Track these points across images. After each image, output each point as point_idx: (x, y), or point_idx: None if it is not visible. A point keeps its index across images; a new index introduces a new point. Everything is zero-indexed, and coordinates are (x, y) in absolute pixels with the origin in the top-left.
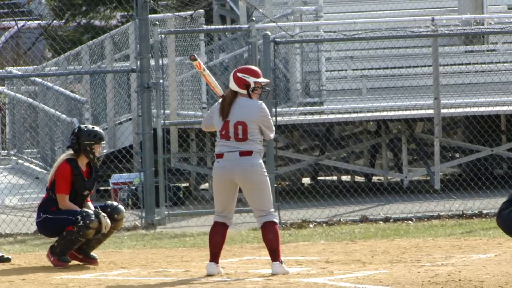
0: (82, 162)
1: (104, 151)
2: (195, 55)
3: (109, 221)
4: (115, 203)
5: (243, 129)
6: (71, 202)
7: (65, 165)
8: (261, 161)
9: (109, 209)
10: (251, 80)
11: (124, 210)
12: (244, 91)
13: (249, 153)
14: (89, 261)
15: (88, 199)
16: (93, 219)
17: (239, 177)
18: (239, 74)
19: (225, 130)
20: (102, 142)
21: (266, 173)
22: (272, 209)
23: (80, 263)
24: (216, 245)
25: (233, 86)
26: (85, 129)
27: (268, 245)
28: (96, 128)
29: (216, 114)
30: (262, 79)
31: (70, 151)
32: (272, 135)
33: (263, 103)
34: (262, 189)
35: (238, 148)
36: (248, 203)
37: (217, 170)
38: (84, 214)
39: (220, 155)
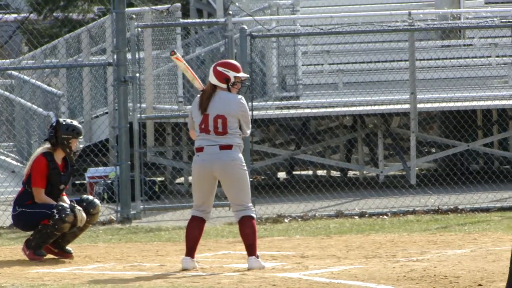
0: (58, 156)
1: (81, 145)
2: (175, 50)
3: (84, 215)
4: (90, 197)
5: (222, 122)
6: (46, 196)
7: (41, 159)
8: (240, 155)
9: (84, 203)
10: (231, 74)
11: (99, 204)
12: (224, 85)
13: (229, 147)
14: (64, 255)
15: (64, 193)
16: (69, 212)
17: (219, 171)
18: (219, 68)
19: (204, 124)
20: (80, 137)
21: (245, 168)
22: (250, 204)
23: (56, 257)
24: (193, 239)
25: (212, 79)
26: (64, 123)
27: (245, 240)
28: (75, 123)
29: (195, 108)
30: (242, 74)
31: (47, 145)
32: (249, 132)
33: (243, 98)
34: (242, 183)
35: (217, 142)
36: (227, 197)
37: (196, 163)
38: (60, 207)
39: (200, 149)
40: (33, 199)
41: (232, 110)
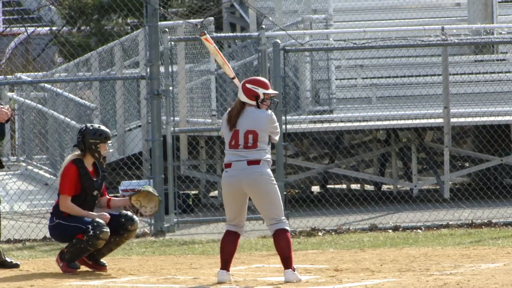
0: (88, 162)
1: (111, 150)
2: (205, 31)
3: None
4: (129, 213)
5: (253, 137)
6: (81, 203)
7: (70, 166)
8: (269, 170)
9: (123, 219)
10: (260, 91)
11: (138, 221)
12: (254, 102)
13: (257, 162)
14: (98, 267)
15: (109, 196)
16: (105, 230)
17: (247, 186)
18: (248, 86)
19: (234, 140)
20: (108, 141)
21: (274, 181)
22: (283, 217)
23: (90, 270)
24: (227, 253)
25: (242, 97)
26: (91, 128)
27: (280, 253)
28: (102, 127)
29: (224, 124)
30: (271, 91)
31: (76, 152)
32: (277, 138)
33: (273, 113)
34: (272, 197)
35: (246, 157)
36: (259, 212)
37: (225, 179)
38: (95, 224)
39: (228, 165)
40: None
41: (263, 125)
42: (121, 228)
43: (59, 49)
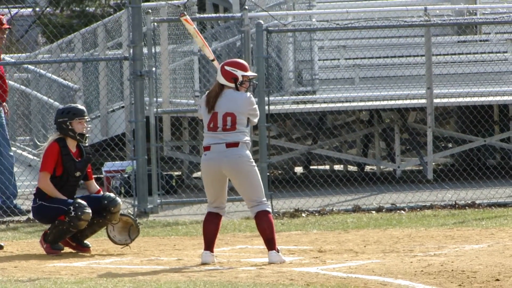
0: (71, 143)
1: (89, 126)
2: (185, 12)
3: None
4: (112, 195)
5: (232, 120)
6: (63, 185)
7: (52, 144)
8: (248, 152)
9: (106, 201)
10: (239, 73)
11: (121, 203)
12: (232, 85)
13: (235, 144)
14: (82, 249)
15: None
16: (86, 211)
17: (226, 169)
18: (227, 68)
19: (213, 122)
20: (77, 118)
21: (254, 163)
22: (264, 199)
23: (73, 251)
24: (210, 234)
25: (220, 79)
26: (59, 109)
27: (263, 235)
28: (72, 105)
29: (202, 106)
30: (250, 73)
31: (58, 133)
32: (256, 120)
33: (251, 95)
34: (252, 179)
35: (224, 140)
36: (240, 194)
37: (204, 162)
38: (77, 205)
39: (207, 148)
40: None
41: (241, 107)
42: (103, 210)
43: (42, 30)
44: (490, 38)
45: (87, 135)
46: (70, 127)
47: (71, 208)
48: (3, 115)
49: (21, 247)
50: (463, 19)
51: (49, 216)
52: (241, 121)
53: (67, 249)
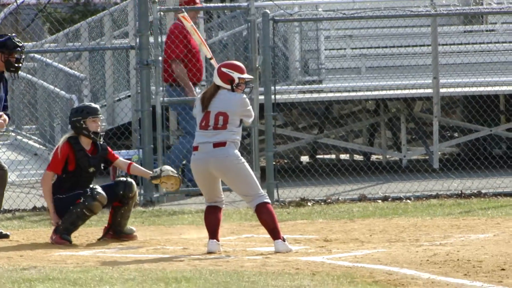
0: (84, 141)
1: (103, 124)
2: (183, 9)
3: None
4: (122, 179)
5: (224, 119)
6: (77, 180)
7: (64, 144)
8: (236, 151)
9: (121, 191)
10: (236, 75)
11: (134, 184)
12: (228, 86)
13: (222, 144)
14: (127, 236)
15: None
16: (102, 193)
17: (214, 169)
18: (223, 69)
19: (205, 121)
20: (91, 116)
21: (242, 160)
22: (260, 191)
23: (122, 243)
24: (213, 223)
25: (217, 80)
26: (73, 108)
27: (266, 226)
28: (87, 104)
29: (197, 105)
30: (246, 75)
31: (72, 132)
32: (250, 121)
33: (246, 97)
34: (243, 176)
35: (211, 139)
36: (235, 193)
37: (193, 163)
38: (93, 188)
39: (196, 148)
40: (66, 186)
41: (235, 108)
42: (122, 198)
43: (45, 24)
44: (496, 28)
45: (101, 133)
46: (84, 125)
47: (88, 190)
48: None
49: (27, 236)
50: (469, 8)
51: (66, 206)
52: (233, 121)
53: (74, 240)
